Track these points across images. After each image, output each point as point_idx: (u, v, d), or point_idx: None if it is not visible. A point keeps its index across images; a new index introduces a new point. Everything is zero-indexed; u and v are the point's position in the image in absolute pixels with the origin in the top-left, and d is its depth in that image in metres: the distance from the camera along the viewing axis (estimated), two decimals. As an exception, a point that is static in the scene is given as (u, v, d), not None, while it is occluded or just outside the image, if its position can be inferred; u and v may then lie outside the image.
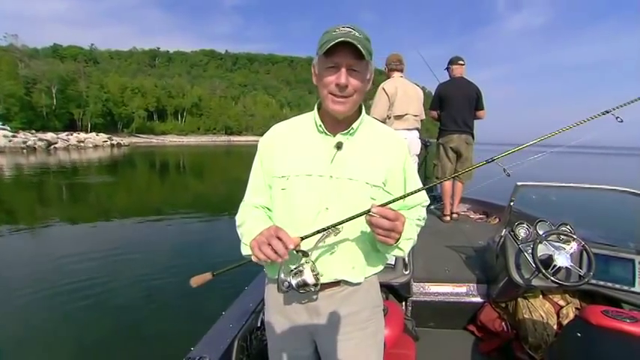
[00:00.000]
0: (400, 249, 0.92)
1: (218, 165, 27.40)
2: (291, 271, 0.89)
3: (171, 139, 79.34)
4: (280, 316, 1.05)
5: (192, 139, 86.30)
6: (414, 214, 1.01)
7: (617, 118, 0.94)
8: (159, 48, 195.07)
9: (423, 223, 1.03)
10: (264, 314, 1.18)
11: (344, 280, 0.98)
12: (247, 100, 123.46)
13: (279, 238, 0.80)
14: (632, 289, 1.72)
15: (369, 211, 0.80)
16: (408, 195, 0.88)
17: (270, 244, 0.80)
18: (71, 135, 45.15)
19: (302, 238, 0.84)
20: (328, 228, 0.85)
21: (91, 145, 43.73)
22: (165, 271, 4.73)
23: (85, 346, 3.16)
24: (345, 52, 0.84)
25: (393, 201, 0.83)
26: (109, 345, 3.18)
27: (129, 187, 14.11)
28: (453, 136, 3.57)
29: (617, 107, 0.94)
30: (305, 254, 0.90)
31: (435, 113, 3.75)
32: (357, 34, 0.85)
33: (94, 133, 52.64)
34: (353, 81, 0.88)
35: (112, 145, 47.23)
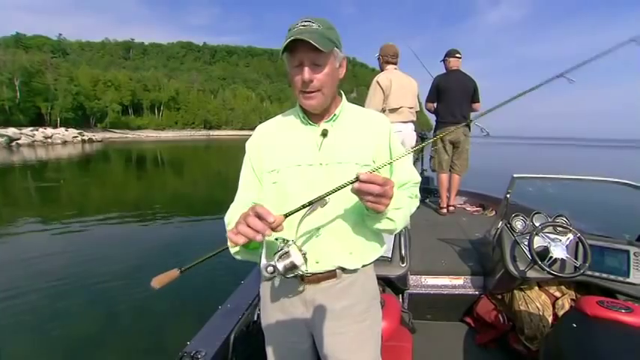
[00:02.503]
0: (390, 219, 0.89)
1: (197, 160, 26.67)
2: (276, 253, 0.81)
3: (148, 134, 76.58)
4: (276, 310, 1.04)
5: (170, 133, 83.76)
6: (405, 191, 1.00)
7: (568, 79, 1.05)
8: (133, 39, 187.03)
9: (417, 202, 1.02)
10: (260, 308, 1.14)
11: (342, 268, 0.98)
12: (227, 94, 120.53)
13: (258, 214, 0.73)
14: (627, 279, 1.75)
15: (357, 178, 0.75)
16: (397, 159, 0.88)
17: (247, 223, 0.73)
18: (36, 130, 41.57)
19: (286, 215, 0.76)
20: (314, 201, 0.78)
21: (60, 141, 40.69)
22: (155, 268, 4.57)
23: (77, 344, 3.10)
24: (304, 48, 0.85)
25: (382, 166, 0.81)
26: (103, 343, 3.12)
27: (99, 186, 13.28)
28: (451, 128, 3.57)
29: (569, 70, 1.05)
30: (286, 241, 0.83)
31: (432, 105, 3.73)
32: (314, 26, 0.86)
33: (62, 129, 48.99)
34: (317, 75, 0.90)
35: (84, 141, 44.54)
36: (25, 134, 38.03)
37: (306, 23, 0.87)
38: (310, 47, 0.85)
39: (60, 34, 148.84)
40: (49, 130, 43.88)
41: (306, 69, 0.88)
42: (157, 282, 0.72)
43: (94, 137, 49.38)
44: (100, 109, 73.88)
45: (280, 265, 0.79)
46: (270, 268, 0.78)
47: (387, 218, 0.88)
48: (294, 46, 0.86)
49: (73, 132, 46.92)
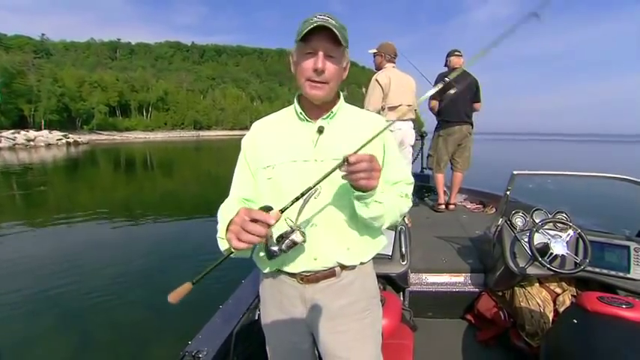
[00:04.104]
0: (378, 202, 0.89)
1: (188, 161, 26.33)
2: (278, 241, 0.85)
3: (137, 136, 75.14)
4: (276, 309, 1.05)
5: (159, 134, 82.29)
6: (397, 189, 1.01)
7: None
8: (119, 39, 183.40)
9: (409, 202, 1.03)
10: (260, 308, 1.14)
11: (340, 265, 0.98)
12: (216, 94, 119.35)
13: (255, 220, 0.74)
14: (628, 275, 1.75)
15: (346, 160, 0.76)
16: (376, 135, 0.81)
17: (246, 230, 0.74)
18: (18, 133, 40.40)
19: (281, 211, 0.77)
20: (305, 192, 0.79)
21: (43, 143, 39.61)
22: (154, 269, 4.60)
23: (77, 344, 3.12)
24: (322, 37, 0.87)
25: (365, 144, 0.78)
26: (103, 343, 3.15)
27: (84, 189, 12.89)
28: (455, 127, 3.56)
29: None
30: (288, 221, 0.85)
31: (436, 103, 3.69)
32: (333, 21, 0.88)
33: (46, 131, 47.73)
34: (330, 66, 0.90)
35: (69, 144, 43.38)
36: (6, 137, 36.85)
37: (324, 17, 0.88)
38: (329, 38, 0.87)
39: (43, 34, 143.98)
40: (32, 133, 42.65)
41: (321, 56, 0.89)
42: (173, 297, 0.73)
43: (79, 139, 48.18)
44: (86, 110, 72.01)
45: (284, 246, 0.84)
46: (276, 252, 0.83)
47: (376, 201, 0.88)
48: (311, 35, 0.87)
49: (57, 134, 45.69)
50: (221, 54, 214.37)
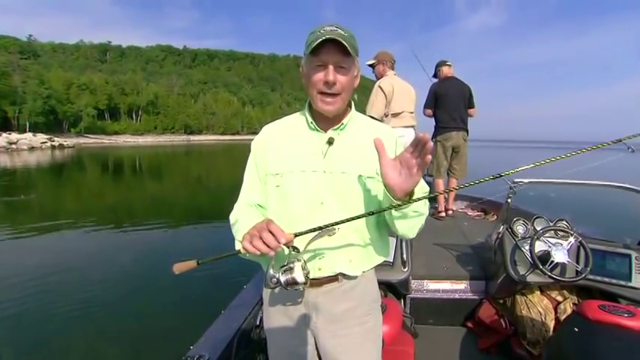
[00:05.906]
0: (418, 212, 0.90)
1: (177, 166, 25.95)
2: (281, 267, 0.88)
3: (126, 140, 74.06)
4: (279, 313, 1.05)
5: (148, 138, 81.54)
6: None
7: (628, 148, 0.93)
8: (110, 42, 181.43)
9: (425, 210, 1.03)
10: (262, 311, 1.15)
11: (342, 274, 0.99)
12: (207, 98, 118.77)
13: (271, 232, 0.78)
14: (629, 283, 1.76)
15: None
16: (413, 201, 0.84)
17: (261, 237, 0.78)
18: (-1, 135, 39.33)
19: (295, 235, 0.82)
20: (324, 227, 0.83)
21: (26, 147, 38.42)
22: (154, 274, 4.50)
23: (80, 350, 3.10)
24: (332, 49, 0.87)
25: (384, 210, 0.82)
26: (105, 348, 3.12)
27: (64, 197, 12.27)
28: (452, 133, 3.63)
29: (630, 137, 0.92)
30: (296, 250, 0.89)
31: (430, 111, 3.78)
32: (342, 32, 0.88)
33: (30, 134, 46.34)
34: (341, 78, 0.91)
35: (54, 147, 42.25)
36: (-14, 140, 35.66)
37: (333, 27, 0.89)
38: (338, 50, 0.87)
39: (30, 35, 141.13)
40: (14, 135, 41.36)
41: (331, 69, 0.89)
42: (177, 268, 0.81)
43: (65, 143, 47.00)
44: (73, 113, 70.57)
45: (283, 279, 0.86)
46: (274, 280, 0.86)
47: (415, 211, 0.89)
48: (320, 47, 0.87)
49: (41, 137, 44.39)
50: (213, 58, 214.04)
